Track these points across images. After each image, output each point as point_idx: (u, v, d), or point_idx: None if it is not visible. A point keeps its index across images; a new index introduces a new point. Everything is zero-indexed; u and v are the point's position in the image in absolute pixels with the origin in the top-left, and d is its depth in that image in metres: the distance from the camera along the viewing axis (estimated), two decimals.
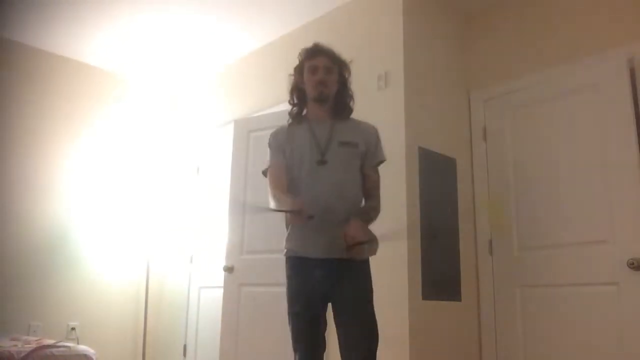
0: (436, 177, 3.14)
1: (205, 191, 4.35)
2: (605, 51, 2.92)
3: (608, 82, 2.86)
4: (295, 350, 2.07)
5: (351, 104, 2.26)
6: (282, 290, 2.16)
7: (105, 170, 4.45)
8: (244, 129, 3.69)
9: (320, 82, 2.14)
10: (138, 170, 4.64)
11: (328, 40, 3.63)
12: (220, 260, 3.64)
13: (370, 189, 2.18)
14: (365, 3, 3.42)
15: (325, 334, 2.11)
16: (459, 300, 3.13)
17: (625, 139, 2.75)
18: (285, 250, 2.16)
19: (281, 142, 2.20)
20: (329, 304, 2.12)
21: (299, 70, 2.23)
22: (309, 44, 3.70)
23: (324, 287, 2.05)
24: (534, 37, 3.26)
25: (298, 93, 2.25)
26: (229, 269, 3.48)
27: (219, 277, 3.60)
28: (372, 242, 2.00)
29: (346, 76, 2.24)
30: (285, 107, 3.69)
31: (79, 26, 3.94)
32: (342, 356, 2.04)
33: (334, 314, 2.09)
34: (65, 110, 4.31)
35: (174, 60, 4.45)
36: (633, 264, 2.61)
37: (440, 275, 3.03)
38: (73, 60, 4.41)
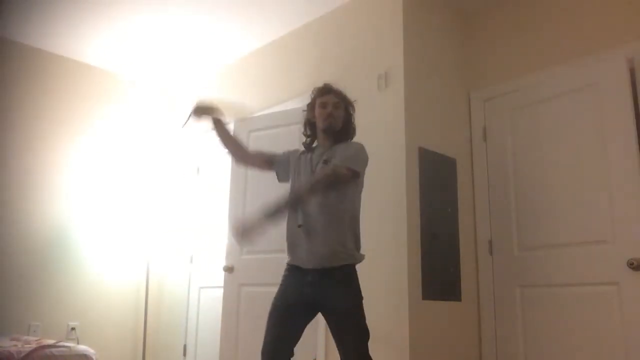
0: (436, 177, 3.14)
1: (205, 191, 4.35)
2: (605, 51, 2.91)
3: (608, 82, 2.86)
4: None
5: (353, 138, 2.50)
6: None
7: (106, 171, 4.45)
8: (244, 129, 3.69)
9: (330, 115, 2.39)
10: (138, 171, 4.64)
11: (328, 40, 3.66)
12: (220, 260, 3.64)
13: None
14: (366, 3, 3.41)
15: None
16: (459, 300, 3.13)
17: (625, 139, 2.75)
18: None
19: (291, 159, 2.46)
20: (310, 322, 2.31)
21: (311, 106, 2.48)
22: (309, 44, 3.75)
23: (312, 295, 2.22)
24: (534, 37, 3.26)
25: (310, 126, 2.49)
26: (229, 269, 3.48)
27: (219, 277, 3.60)
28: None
29: (351, 112, 2.48)
30: (285, 106, 3.76)
31: (79, 26, 3.94)
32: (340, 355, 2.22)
33: (327, 322, 2.26)
34: (65, 110, 4.31)
35: (174, 60, 4.44)
36: (633, 264, 2.61)
37: (440, 275, 3.03)
38: (73, 60, 4.41)
